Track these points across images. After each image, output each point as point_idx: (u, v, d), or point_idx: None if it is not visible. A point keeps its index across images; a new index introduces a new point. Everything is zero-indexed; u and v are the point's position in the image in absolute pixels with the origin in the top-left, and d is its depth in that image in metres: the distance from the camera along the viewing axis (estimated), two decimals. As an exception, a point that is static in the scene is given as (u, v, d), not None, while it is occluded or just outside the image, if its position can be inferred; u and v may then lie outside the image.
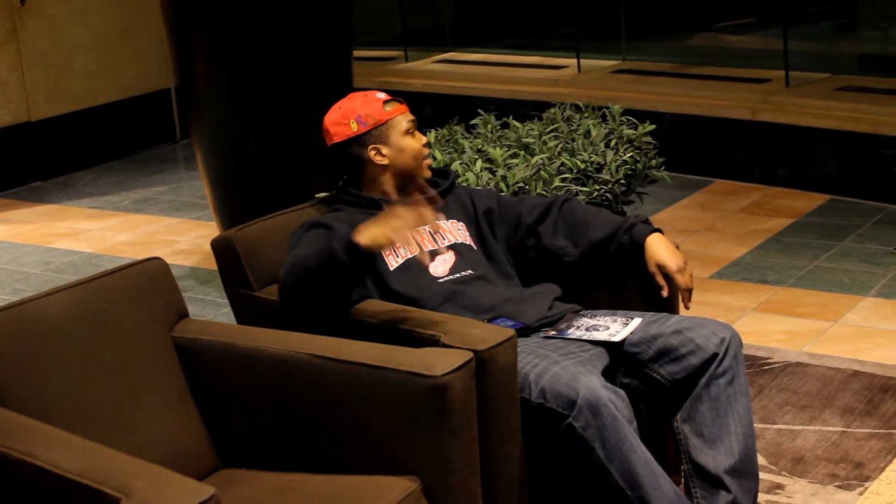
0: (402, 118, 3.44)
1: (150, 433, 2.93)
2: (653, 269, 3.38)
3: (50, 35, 8.03)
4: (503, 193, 3.84)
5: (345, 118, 3.42)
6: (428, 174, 3.49)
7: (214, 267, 3.49)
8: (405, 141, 3.43)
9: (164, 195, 7.50)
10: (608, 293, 3.55)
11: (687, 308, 3.41)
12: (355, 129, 3.40)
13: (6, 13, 7.76)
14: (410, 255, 3.31)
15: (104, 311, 3.00)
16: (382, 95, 3.47)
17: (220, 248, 3.40)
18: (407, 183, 3.46)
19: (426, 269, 3.34)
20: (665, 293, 3.38)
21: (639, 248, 3.41)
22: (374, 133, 3.40)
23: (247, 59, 5.42)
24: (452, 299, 3.28)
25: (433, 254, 3.38)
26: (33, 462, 2.49)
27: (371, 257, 3.02)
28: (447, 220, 3.49)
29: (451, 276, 3.36)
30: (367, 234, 2.96)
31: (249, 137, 5.49)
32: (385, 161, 3.41)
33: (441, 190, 3.53)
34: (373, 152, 3.41)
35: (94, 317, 2.97)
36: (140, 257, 3.23)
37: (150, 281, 3.13)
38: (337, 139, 3.42)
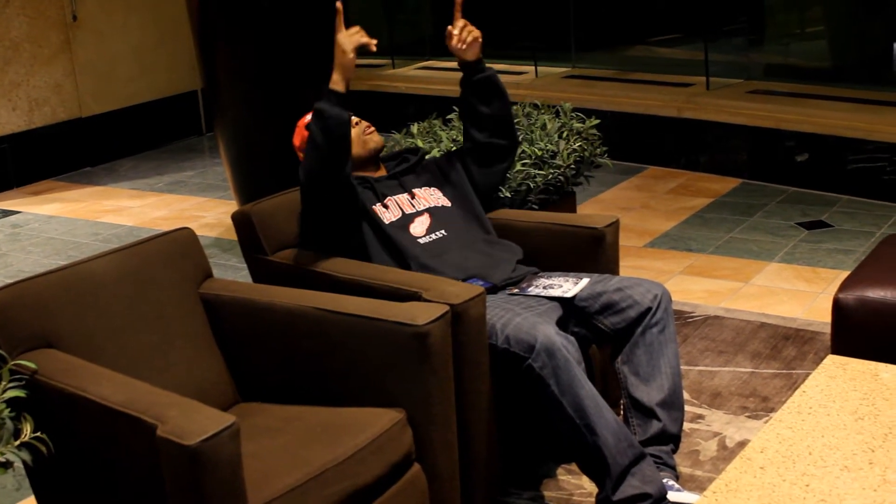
0: None
1: (181, 372, 2.91)
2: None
3: (97, 46, 7.95)
4: None
5: None
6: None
7: (234, 237, 3.47)
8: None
9: (193, 178, 7.44)
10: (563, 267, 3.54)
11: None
12: None
13: (61, 28, 7.68)
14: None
15: (143, 271, 2.97)
16: None
17: (239, 220, 3.37)
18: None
19: (407, 229, 3.32)
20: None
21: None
22: None
23: (259, 66, 5.38)
24: (435, 258, 3.27)
25: (412, 217, 3.36)
26: (84, 395, 2.49)
27: (349, 94, 3.11)
28: (421, 187, 3.46)
29: (427, 237, 3.34)
30: (334, 77, 3.12)
31: (261, 130, 5.46)
32: None
33: (412, 163, 3.52)
34: None
35: (134, 276, 2.95)
36: (173, 229, 3.20)
37: (180, 247, 3.11)
38: None
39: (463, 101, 3.58)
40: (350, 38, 3.16)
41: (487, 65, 3.53)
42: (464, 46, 3.44)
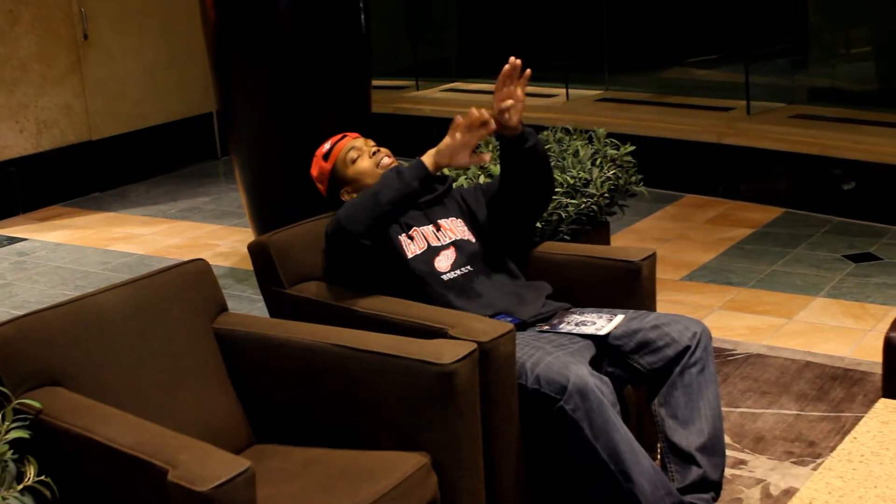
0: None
1: (193, 411, 2.90)
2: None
3: (108, 66, 8.00)
4: None
5: None
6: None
7: (250, 267, 3.46)
8: None
9: (207, 205, 7.46)
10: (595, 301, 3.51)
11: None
12: None
13: (72, 47, 7.74)
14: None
15: (154, 305, 2.97)
16: None
17: (256, 251, 3.37)
18: None
19: (431, 263, 3.30)
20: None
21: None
22: None
23: (276, 88, 5.39)
24: (461, 295, 3.24)
25: (437, 250, 3.34)
26: (92, 437, 2.48)
27: (433, 177, 3.23)
28: (447, 218, 3.45)
29: (452, 272, 3.31)
30: (432, 153, 3.19)
31: (279, 154, 5.47)
32: None
33: (438, 193, 3.50)
34: None
35: (145, 310, 2.94)
36: (186, 259, 3.19)
37: (194, 279, 3.11)
38: None
39: (504, 170, 3.39)
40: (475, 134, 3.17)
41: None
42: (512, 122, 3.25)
